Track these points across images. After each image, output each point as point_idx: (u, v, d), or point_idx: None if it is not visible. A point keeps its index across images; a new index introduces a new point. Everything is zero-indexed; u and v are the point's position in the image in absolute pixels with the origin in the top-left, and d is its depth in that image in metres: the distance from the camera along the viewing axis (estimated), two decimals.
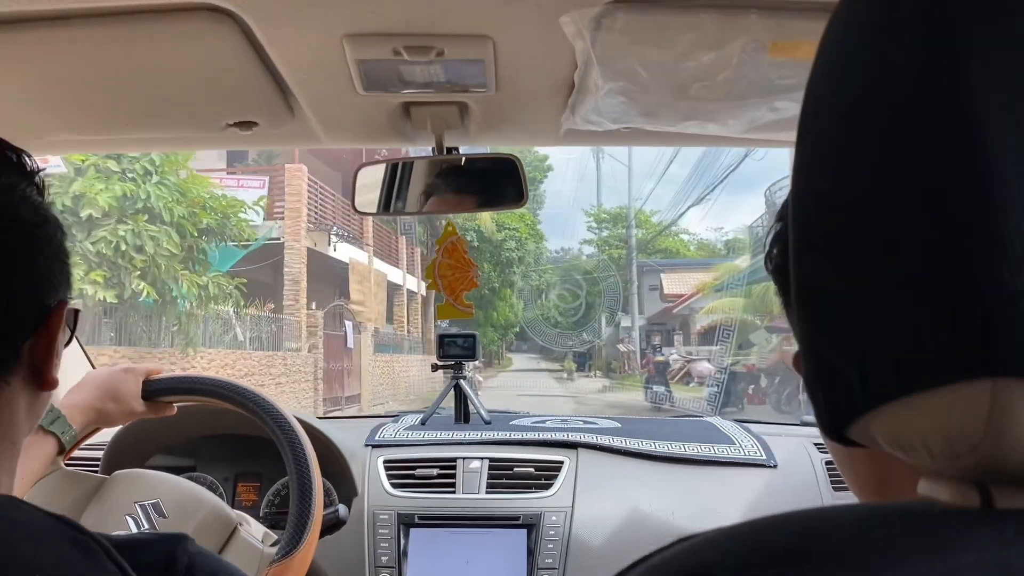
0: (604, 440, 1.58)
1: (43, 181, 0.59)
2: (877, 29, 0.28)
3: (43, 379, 0.57)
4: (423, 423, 1.78)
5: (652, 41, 0.89)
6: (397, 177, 1.22)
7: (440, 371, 1.87)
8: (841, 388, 0.28)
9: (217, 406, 1.15)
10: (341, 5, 0.87)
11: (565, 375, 24.22)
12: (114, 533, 1.06)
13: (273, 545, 1.11)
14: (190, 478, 1.55)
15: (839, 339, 0.29)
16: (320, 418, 1.64)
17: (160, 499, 1.12)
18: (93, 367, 1.66)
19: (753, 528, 0.29)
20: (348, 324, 14.38)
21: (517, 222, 22.81)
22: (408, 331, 19.41)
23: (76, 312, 0.65)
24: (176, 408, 1.18)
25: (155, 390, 1.14)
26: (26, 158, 0.58)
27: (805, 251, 0.31)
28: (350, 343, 14.36)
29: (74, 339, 0.66)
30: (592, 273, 24.19)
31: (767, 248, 0.53)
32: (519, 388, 18.15)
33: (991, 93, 0.24)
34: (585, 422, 1.79)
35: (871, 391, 0.27)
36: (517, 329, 26.65)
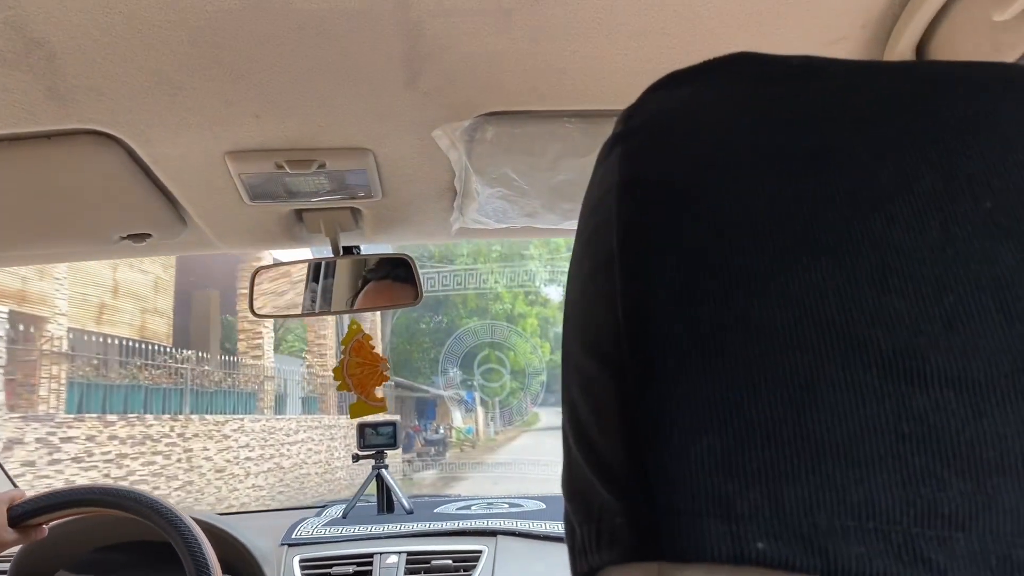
0: (525, 525, 1.58)
1: None
2: (594, 228, 0.31)
3: None
4: (344, 516, 1.75)
5: (523, 150, 0.94)
6: (294, 279, 1.24)
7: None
8: (576, 548, 0.30)
9: (104, 515, 1.12)
10: (220, 125, 0.90)
11: None
12: None
13: None
14: None
15: (573, 499, 0.31)
16: (227, 514, 1.60)
17: None
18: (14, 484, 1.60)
19: None
20: None
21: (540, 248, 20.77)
22: None
23: None
24: (47, 530, 1.13)
25: (21, 514, 1.10)
26: None
27: (563, 404, 0.34)
28: None
29: None
30: None
31: None
32: (543, 454, 16.20)
33: (664, 300, 0.27)
34: (511, 505, 1.79)
35: (589, 560, 0.29)
36: (543, 377, 22.83)
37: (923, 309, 0.26)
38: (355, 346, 1.44)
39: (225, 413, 12.06)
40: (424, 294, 1.22)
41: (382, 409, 1.56)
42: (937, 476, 0.24)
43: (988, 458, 0.24)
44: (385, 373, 1.40)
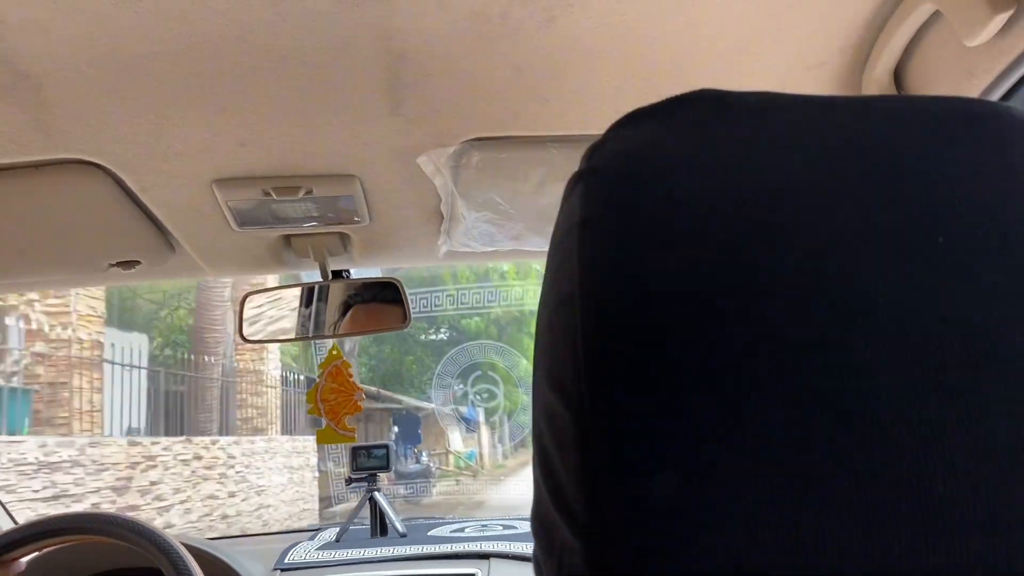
0: (518, 548, 1.58)
1: None
2: (557, 265, 0.32)
3: None
4: (338, 540, 1.75)
5: (508, 175, 0.95)
6: (283, 304, 1.24)
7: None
8: None
9: (88, 543, 1.10)
10: (206, 155, 0.90)
11: None
12: None
13: None
14: None
15: (539, 535, 0.31)
16: (216, 539, 1.58)
17: None
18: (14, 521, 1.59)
19: None
20: None
21: None
22: None
23: None
24: (24, 563, 1.11)
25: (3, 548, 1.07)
26: None
27: (533, 437, 0.34)
28: None
29: None
30: None
31: None
32: None
33: (619, 340, 0.27)
34: (505, 527, 1.79)
35: None
36: None
37: (877, 348, 0.26)
38: (333, 371, 1.45)
39: None
40: (412, 318, 1.22)
41: (350, 439, 1.56)
42: (889, 518, 0.25)
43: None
44: (359, 403, 1.39)
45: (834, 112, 0.32)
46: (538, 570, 0.32)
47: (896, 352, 0.26)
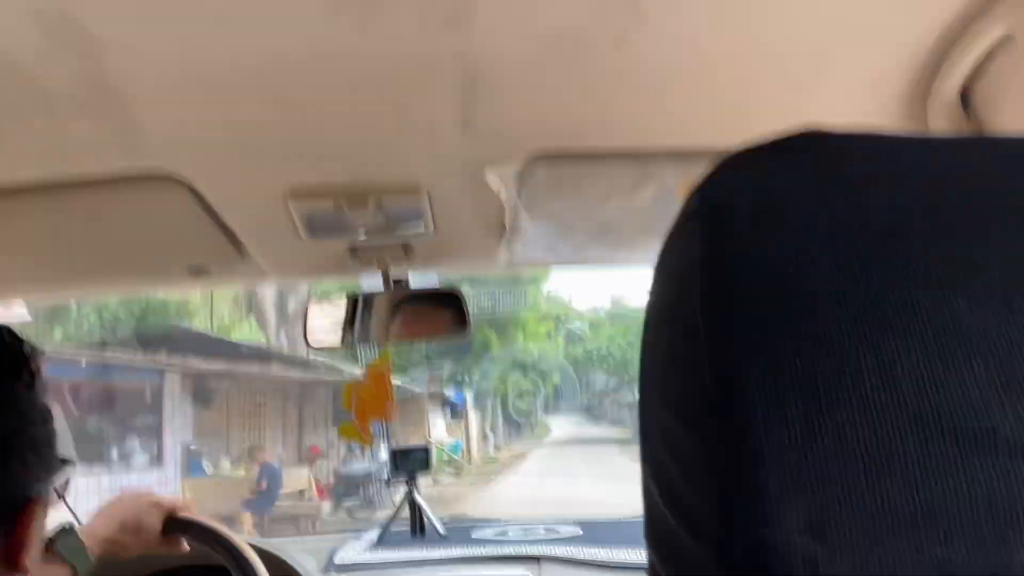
0: (565, 551, 1.59)
1: (38, 366, 0.62)
2: (677, 299, 0.34)
3: (15, 566, 0.60)
4: (380, 541, 1.78)
5: (572, 189, 0.97)
6: (348, 311, 1.28)
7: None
8: None
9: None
10: (282, 165, 0.94)
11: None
12: None
13: None
14: None
15: (658, 548, 0.33)
16: (266, 539, 1.62)
17: None
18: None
19: None
20: None
21: None
22: None
23: (67, 481, 0.68)
24: (189, 548, 1.14)
25: (182, 525, 1.12)
26: (26, 345, 0.61)
27: (643, 456, 0.36)
28: None
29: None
30: None
31: None
32: (582, 474, 11.93)
33: (751, 371, 0.29)
34: (547, 529, 1.81)
35: None
36: (558, 379, 17.25)
37: (991, 381, 0.28)
38: (376, 374, 1.48)
39: None
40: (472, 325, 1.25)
41: (368, 442, 1.59)
42: (1008, 542, 0.26)
43: None
44: (390, 412, 1.42)
45: (941, 152, 0.34)
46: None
47: (1007, 386, 0.28)
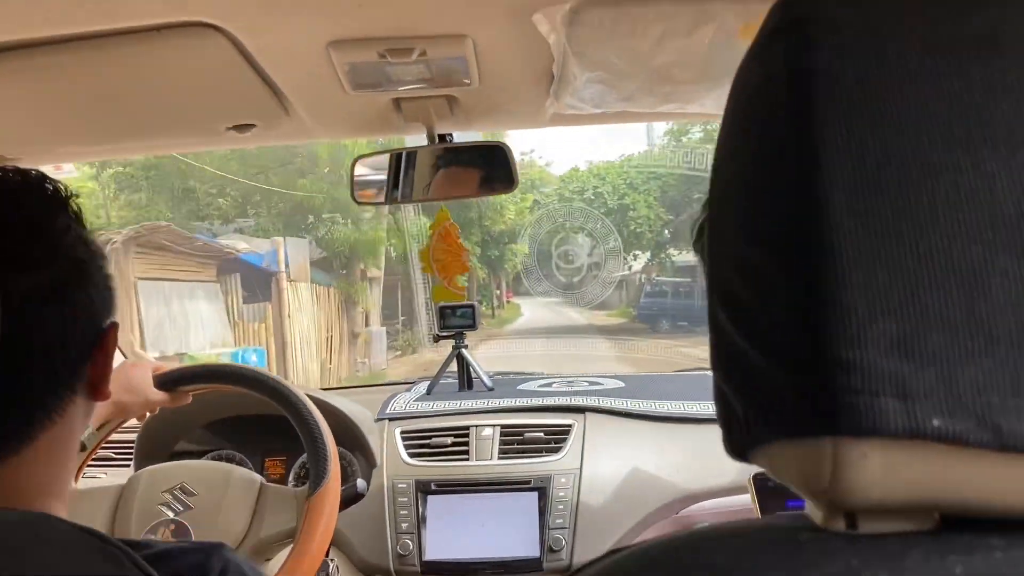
0: (609, 403, 1.64)
1: (80, 208, 0.64)
2: (758, 120, 0.32)
3: (99, 392, 0.64)
4: (429, 392, 1.85)
5: (625, 33, 0.92)
6: (392, 167, 1.27)
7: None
8: (735, 422, 0.33)
9: (231, 391, 1.21)
10: (323, 14, 0.91)
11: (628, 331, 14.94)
12: (157, 538, 1.13)
13: (300, 487, 1.20)
14: (218, 457, 1.64)
15: (730, 378, 0.34)
16: (326, 389, 1.70)
17: (183, 481, 1.20)
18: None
19: (661, 545, 0.34)
20: None
21: None
22: None
23: (116, 326, 0.72)
24: (191, 396, 1.24)
25: (168, 380, 1.20)
26: (60, 187, 0.63)
27: (713, 288, 0.36)
28: None
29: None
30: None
31: (694, 235, 0.54)
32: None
33: (839, 190, 0.28)
34: (590, 383, 1.85)
35: (752, 433, 0.32)
36: (527, 252, 14.78)
37: None
38: (442, 232, 1.49)
39: None
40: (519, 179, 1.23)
41: (461, 297, 1.63)
42: None
43: None
44: (467, 263, 1.44)
45: None
46: (728, 411, 0.34)
47: None
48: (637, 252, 17.50)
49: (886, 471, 0.28)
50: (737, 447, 0.34)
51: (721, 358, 0.35)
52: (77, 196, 0.65)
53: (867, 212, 0.28)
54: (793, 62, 0.31)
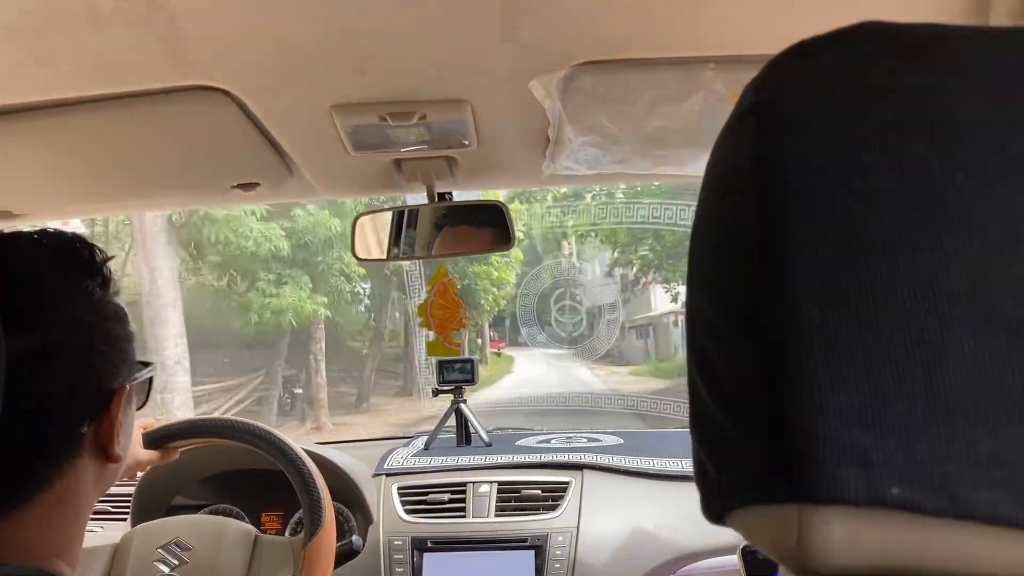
0: (607, 460, 1.64)
1: (109, 271, 0.66)
2: (728, 195, 0.34)
3: (107, 455, 0.65)
4: (427, 447, 1.85)
5: (618, 98, 0.96)
6: (394, 224, 1.30)
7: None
8: (710, 485, 0.34)
9: (223, 445, 1.22)
10: (326, 80, 0.94)
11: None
12: None
13: (295, 536, 1.20)
14: (214, 511, 1.63)
15: (704, 442, 0.35)
16: (322, 444, 1.70)
17: (178, 535, 1.19)
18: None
19: None
20: None
21: None
22: None
23: (150, 380, 0.72)
24: (179, 453, 1.23)
25: (157, 437, 1.19)
26: (97, 251, 0.65)
27: (690, 351, 0.37)
28: None
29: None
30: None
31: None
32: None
33: (802, 267, 0.30)
34: (589, 440, 1.85)
35: (725, 497, 0.33)
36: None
37: None
38: (440, 288, 1.51)
39: None
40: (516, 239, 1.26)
41: (456, 353, 1.66)
42: None
43: None
44: (464, 321, 1.46)
45: (1003, 43, 0.33)
46: (704, 478, 0.35)
47: None
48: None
49: (850, 538, 0.29)
50: (713, 510, 0.35)
51: (696, 422, 0.36)
52: (111, 258, 0.66)
53: (829, 288, 0.29)
54: (760, 144, 0.32)
